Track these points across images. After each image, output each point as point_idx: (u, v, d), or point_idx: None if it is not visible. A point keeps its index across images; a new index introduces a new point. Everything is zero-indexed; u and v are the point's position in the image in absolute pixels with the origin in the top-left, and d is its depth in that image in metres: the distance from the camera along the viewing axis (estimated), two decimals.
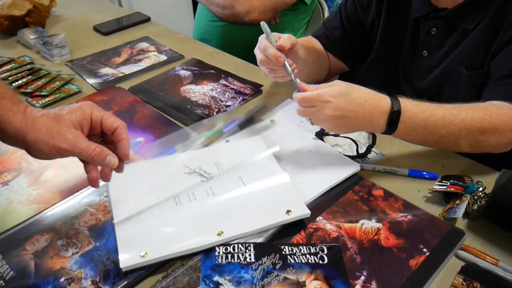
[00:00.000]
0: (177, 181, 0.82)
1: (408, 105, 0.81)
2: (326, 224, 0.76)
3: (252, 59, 1.30)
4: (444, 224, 0.76)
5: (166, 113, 1.06)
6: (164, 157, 0.90)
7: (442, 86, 0.95)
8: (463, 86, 0.92)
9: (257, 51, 0.93)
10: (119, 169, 0.69)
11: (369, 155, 0.92)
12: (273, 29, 1.62)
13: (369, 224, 0.76)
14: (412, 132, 0.82)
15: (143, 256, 0.68)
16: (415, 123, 0.80)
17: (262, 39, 0.91)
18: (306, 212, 0.75)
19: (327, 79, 1.16)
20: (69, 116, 0.64)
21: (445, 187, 0.81)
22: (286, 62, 0.86)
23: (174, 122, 1.03)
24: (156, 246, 0.70)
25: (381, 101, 0.80)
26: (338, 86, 0.79)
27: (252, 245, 0.71)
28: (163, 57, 1.32)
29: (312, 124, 0.84)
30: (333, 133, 0.95)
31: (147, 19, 1.57)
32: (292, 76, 0.84)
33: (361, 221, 0.77)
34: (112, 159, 0.66)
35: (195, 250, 0.70)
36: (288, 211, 0.75)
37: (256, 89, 1.14)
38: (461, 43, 0.91)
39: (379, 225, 0.76)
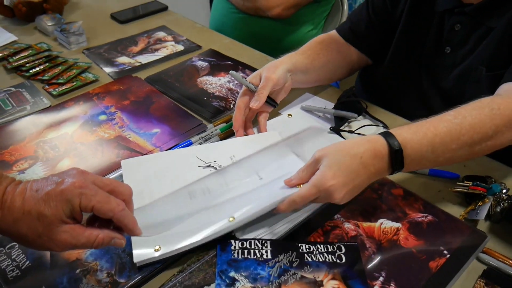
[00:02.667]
0: (192, 174, 0.81)
1: (406, 136, 0.70)
2: (344, 223, 0.75)
3: (270, 52, 1.29)
4: (466, 226, 0.74)
5: (183, 104, 1.05)
6: (179, 149, 0.89)
7: (463, 85, 0.92)
8: (484, 87, 0.88)
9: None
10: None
11: None
12: (293, 23, 1.60)
13: (388, 224, 0.74)
14: (421, 161, 0.72)
15: (157, 250, 0.67)
16: (422, 151, 0.70)
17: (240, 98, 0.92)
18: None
19: (349, 74, 1.13)
20: (56, 213, 0.53)
21: (467, 188, 0.79)
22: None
23: (191, 113, 1.02)
24: (170, 240, 0.69)
25: (376, 147, 0.69)
26: (325, 162, 0.68)
27: (268, 242, 0.70)
28: (180, 47, 1.31)
29: None
30: (348, 130, 0.94)
31: (165, 8, 1.56)
32: None
33: (380, 220, 0.75)
34: (118, 241, 0.59)
35: (207, 239, 0.69)
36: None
37: None
38: (483, 41, 0.88)
39: (399, 225, 0.74)
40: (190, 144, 0.92)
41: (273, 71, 0.91)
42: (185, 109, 1.04)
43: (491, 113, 0.72)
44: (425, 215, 0.76)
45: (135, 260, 0.66)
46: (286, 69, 0.93)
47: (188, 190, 0.77)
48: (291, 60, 0.96)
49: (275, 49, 1.45)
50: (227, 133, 0.94)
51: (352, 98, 0.98)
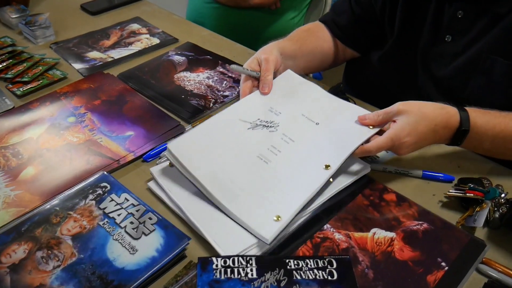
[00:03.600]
0: (247, 140, 0.79)
1: (478, 121, 0.76)
2: (335, 233, 0.69)
3: (251, 43, 1.23)
4: (463, 233, 0.69)
5: (159, 103, 0.98)
6: (218, 116, 0.83)
7: (467, 76, 0.87)
8: (497, 76, 0.84)
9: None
10: None
11: (379, 154, 0.85)
12: (274, 11, 1.53)
13: (381, 234, 0.69)
14: (476, 145, 0.80)
15: (277, 219, 0.67)
16: (482, 139, 0.77)
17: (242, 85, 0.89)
18: None
19: (334, 65, 1.08)
20: None
21: (463, 192, 0.74)
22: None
23: (167, 114, 0.95)
24: (280, 205, 0.69)
25: (450, 120, 0.76)
26: (405, 119, 0.74)
27: (253, 258, 0.64)
28: (156, 41, 1.23)
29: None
30: None
31: None
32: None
33: (373, 230, 0.70)
34: None
35: (313, 192, 0.70)
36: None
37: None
38: (491, 29, 0.82)
39: (393, 234, 0.69)
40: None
41: (270, 52, 0.89)
42: (161, 108, 0.96)
43: None
44: (420, 222, 0.71)
45: (267, 236, 0.65)
46: (279, 52, 0.91)
47: (256, 156, 0.76)
48: (279, 45, 0.94)
49: (257, 40, 1.38)
50: None
51: (340, 95, 0.92)
